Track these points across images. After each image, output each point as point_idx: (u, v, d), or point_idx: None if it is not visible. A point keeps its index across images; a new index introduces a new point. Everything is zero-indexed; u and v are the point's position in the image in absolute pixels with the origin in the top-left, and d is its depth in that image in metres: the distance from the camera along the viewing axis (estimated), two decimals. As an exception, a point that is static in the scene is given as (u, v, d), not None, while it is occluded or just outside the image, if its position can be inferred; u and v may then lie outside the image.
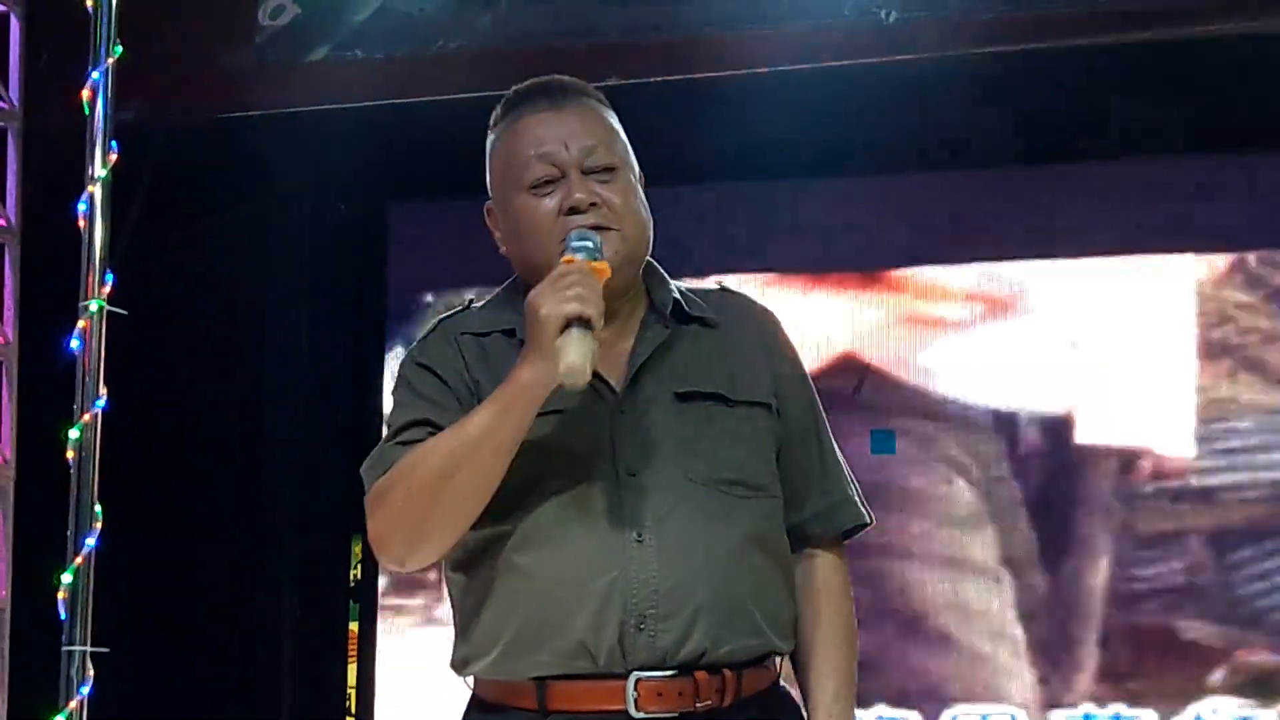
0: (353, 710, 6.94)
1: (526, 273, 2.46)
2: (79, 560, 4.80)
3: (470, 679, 2.47)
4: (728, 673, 2.34)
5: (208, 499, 6.69)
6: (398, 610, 7.09)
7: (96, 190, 4.91)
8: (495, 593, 2.38)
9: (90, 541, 4.86)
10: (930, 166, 6.66)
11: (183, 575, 6.61)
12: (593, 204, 2.32)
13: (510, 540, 2.38)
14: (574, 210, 2.34)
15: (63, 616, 4.80)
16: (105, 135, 5.00)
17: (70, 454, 4.84)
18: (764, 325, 2.63)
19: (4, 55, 5.63)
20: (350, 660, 6.86)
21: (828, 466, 2.60)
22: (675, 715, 2.32)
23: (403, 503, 2.33)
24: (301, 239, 6.96)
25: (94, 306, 4.88)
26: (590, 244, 2.34)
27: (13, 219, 5.54)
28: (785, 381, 2.57)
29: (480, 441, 2.30)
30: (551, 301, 2.22)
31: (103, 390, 4.87)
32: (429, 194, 6.91)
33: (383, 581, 7.02)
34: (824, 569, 2.55)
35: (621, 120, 6.39)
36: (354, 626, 6.89)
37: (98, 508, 4.92)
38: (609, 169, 2.37)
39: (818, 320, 6.71)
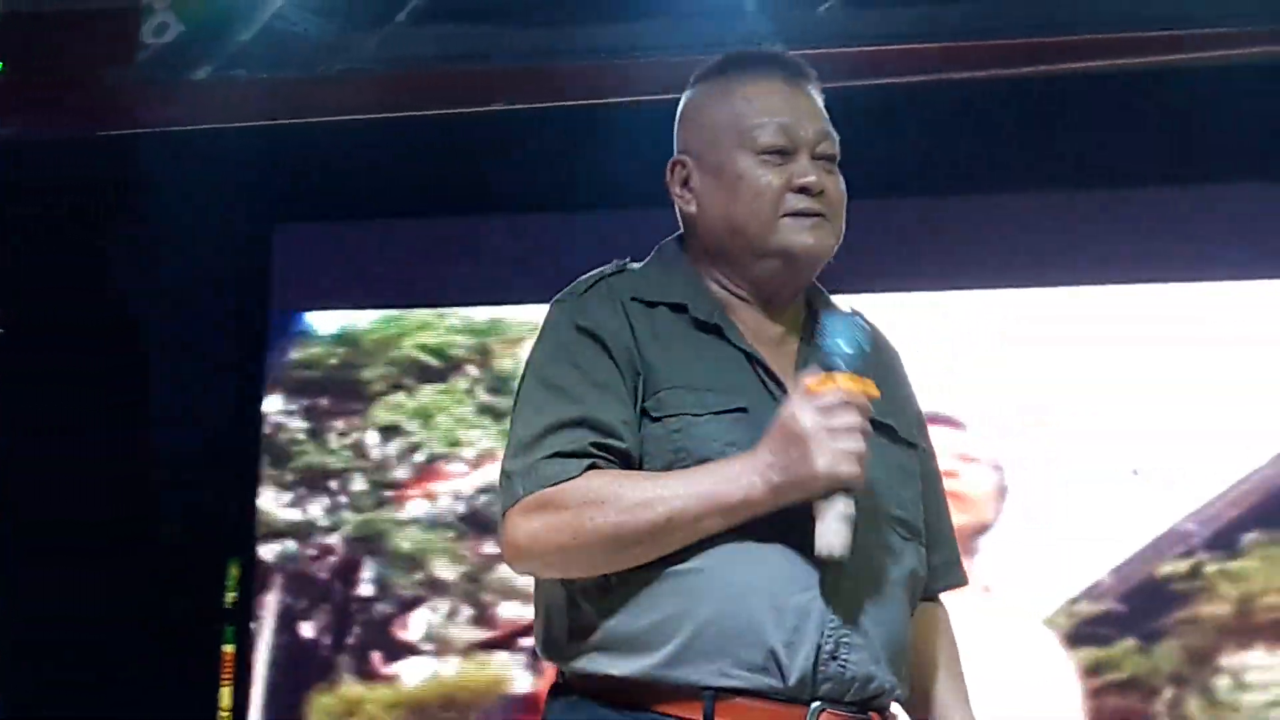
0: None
1: (723, 233, 2.40)
2: None
3: (583, 673, 2.31)
4: (888, 715, 2.32)
5: (85, 518, 6.49)
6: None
7: None
8: (662, 591, 2.25)
9: None
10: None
11: (62, 593, 6.34)
12: (821, 191, 2.29)
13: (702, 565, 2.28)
14: (804, 190, 2.30)
15: None
16: None
17: None
18: (898, 361, 2.60)
19: None
20: (225, 683, 6.69)
21: (945, 522, 2.59)
22: None
23: (569, 539, 2.24)
24: (183, 259, 6.61)
25: None
26: (852, 350, 2.24)
27: None
28: (922, 427, 2.57)
29: (678, 531, 2.21)
30: (827, 454, 2.13)
31: None
32: (313, 215, 6.83)
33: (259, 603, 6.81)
34: (944, 621, 2.54)
35: (509, 146, 6.21)
36: (229, 649, 6.71)
37: None
38: (833, 159, 2.36)
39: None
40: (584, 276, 2.44)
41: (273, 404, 7.00)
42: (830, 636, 2.20)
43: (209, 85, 5.98)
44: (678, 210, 2.45)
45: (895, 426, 2.37)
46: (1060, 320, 6.44)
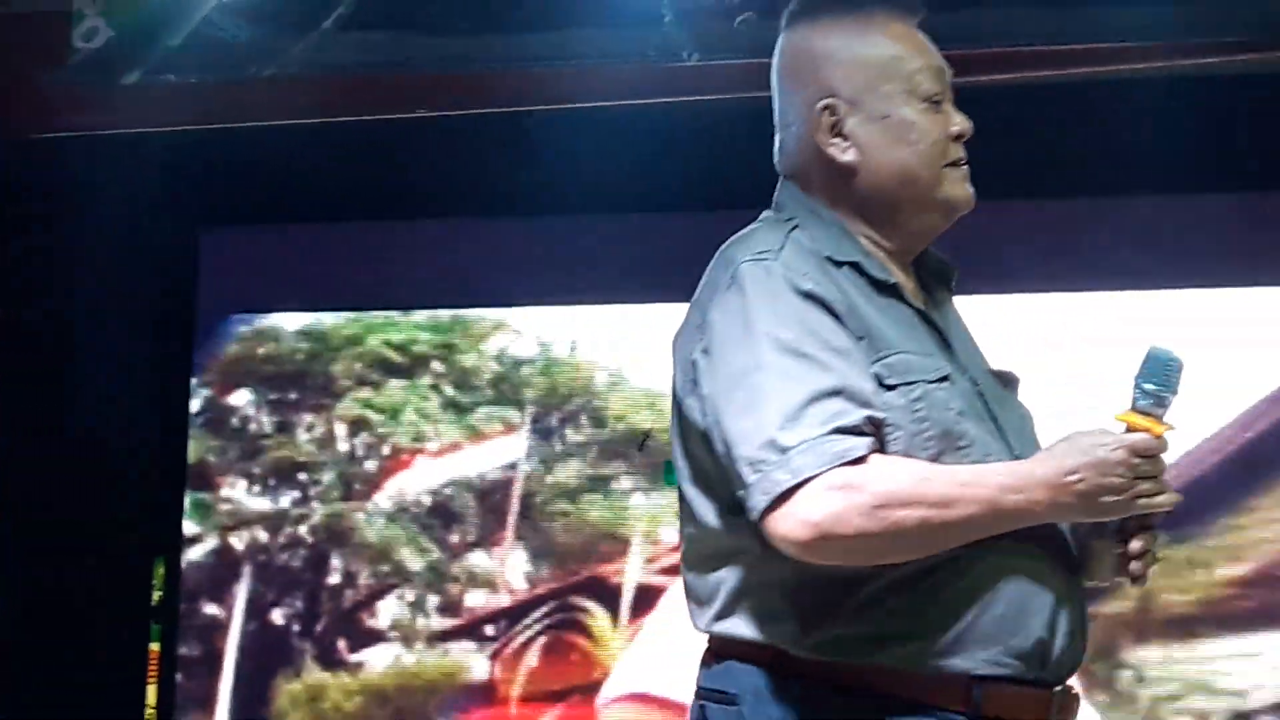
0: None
1: (894, 183, 2.34)
2: None
3: (823, 660, 2.25)
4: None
5: (8, 518, 6.62)
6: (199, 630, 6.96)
7: None
8: (920, 578, 2.22)
9: None
10: (734, 204, 6.51)
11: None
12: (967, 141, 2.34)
13: None
14: (960, 138, 2.33)
15: None
16: None
17: None
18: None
19: None
20: (150, 681, 6.74)
21: None
22: None
23: (874, 526, 2.17)
24: (110, 262, 6.71)
25: None
26: (1173, 392, 2.23)
27: None
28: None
29: (959, 534, 2.19)
30: (1117, 500, 2.16)
31: None
32: (239, 219, 6.81)
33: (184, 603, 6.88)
34: None
35: (433, 153, 6.27)
36: (155, 647, 6.71)
37: None
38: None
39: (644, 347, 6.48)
40: (761, 234, 2.37)
41: (241, 397, 6.98)
42: (1079, 620, 2.28)
43: (138, 90, 5.87)
44: (825, 160, 2.34)
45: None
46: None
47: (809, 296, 2.20)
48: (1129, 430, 2.17)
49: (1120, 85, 5.99)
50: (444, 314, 6.88)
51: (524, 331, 6.88)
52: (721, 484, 2.25)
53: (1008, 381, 2.45)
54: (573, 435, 6.79)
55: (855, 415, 2.12)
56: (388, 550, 6.87)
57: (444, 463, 6.89)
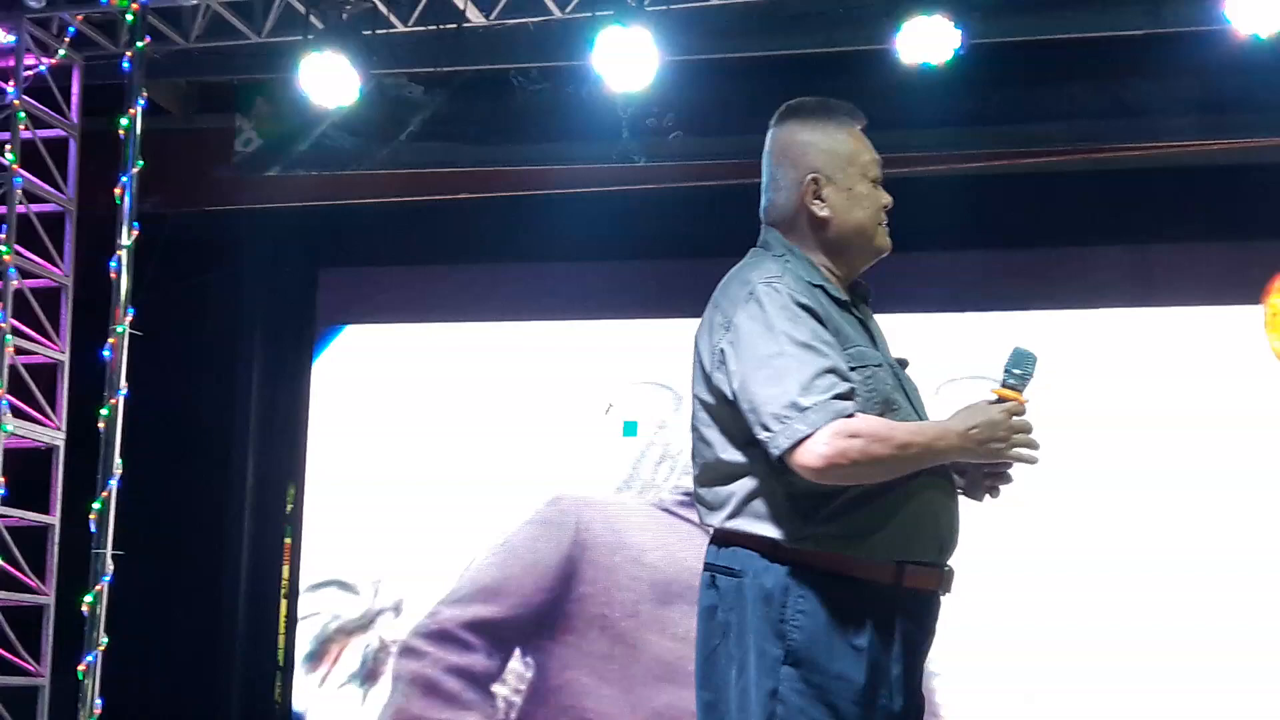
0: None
1: (851, 233, 2.43)
2: (105, 494, 5.40)
3: (805, 549, 2.35)
4: None
5: (188, 462, 6.85)
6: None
7: (123, 255, 5.53)
8: (869, 497, 2.32)
9: (113, 482, 5.45)
10: (667, 255, 6.55)
11: (170, 511, 6.67)
12: None
13: None
14: (886, 208, 2.44)
15: (93, 530, 5.42)
16: (129, 218, 5.57)
17: (102, 425, 5.48)
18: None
19: (64, 165, 5.82)
20: (284, 564, 7.00)
21: None
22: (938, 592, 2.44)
23: (862, 457, 2.26)
24: (259, 290, 7.18)
25: (119, 329, 5.48)
26: (1030, 376, 2.36)
27: (68, 271, 5.77)
28: None
29: (910, 464, 2.30)
30: (997, 448, 2.29)
31: (123, 383, 5.51)
32: (346, 262, 7.22)
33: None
34: None
35: (470, 221, 6.48)
36: (288, 541, 7.07)
37: (119, 460, 5.52)
38: None
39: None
40: (765, 264, 2.42)
41: (343, 375, 7.16)
42: (957, 527, 2.40)
43: (279, 179, 6.56)
44: (808, 213, 2.41)
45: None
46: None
47: (806, 308, 2.29)
48: (1000, 400, 2.31)
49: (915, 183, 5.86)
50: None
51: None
52: (739, 430, 2.34)
53: (904, 364, 2.52)
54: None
55: (844, 386, 2.23)
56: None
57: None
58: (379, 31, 5.66)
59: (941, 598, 2.40)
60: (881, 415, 2.28)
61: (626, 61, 5.37)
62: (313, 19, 5.55)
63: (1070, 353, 5.80)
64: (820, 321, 2.29)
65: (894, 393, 2.34)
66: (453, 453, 6.98)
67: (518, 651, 6.67)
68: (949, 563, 2.39)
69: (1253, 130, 5.74)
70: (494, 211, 6.63)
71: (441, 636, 6.59)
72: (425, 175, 6.60)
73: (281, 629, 7.10)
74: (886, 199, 2.40)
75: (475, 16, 5.61)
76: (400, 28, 5.67)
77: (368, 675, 6.94)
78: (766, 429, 2.23)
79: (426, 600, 6.88)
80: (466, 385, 7.08)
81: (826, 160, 2.36)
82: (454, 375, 7.10)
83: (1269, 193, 5.84)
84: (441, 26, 5.64)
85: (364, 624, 6.99)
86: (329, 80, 5.55)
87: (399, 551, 6.94)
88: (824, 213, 2.35)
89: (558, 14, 5.47)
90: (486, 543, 6.84)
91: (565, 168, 6.49)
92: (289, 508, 7.14)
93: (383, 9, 5.55)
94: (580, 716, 6.54)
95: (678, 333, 6.24)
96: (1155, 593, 5.96)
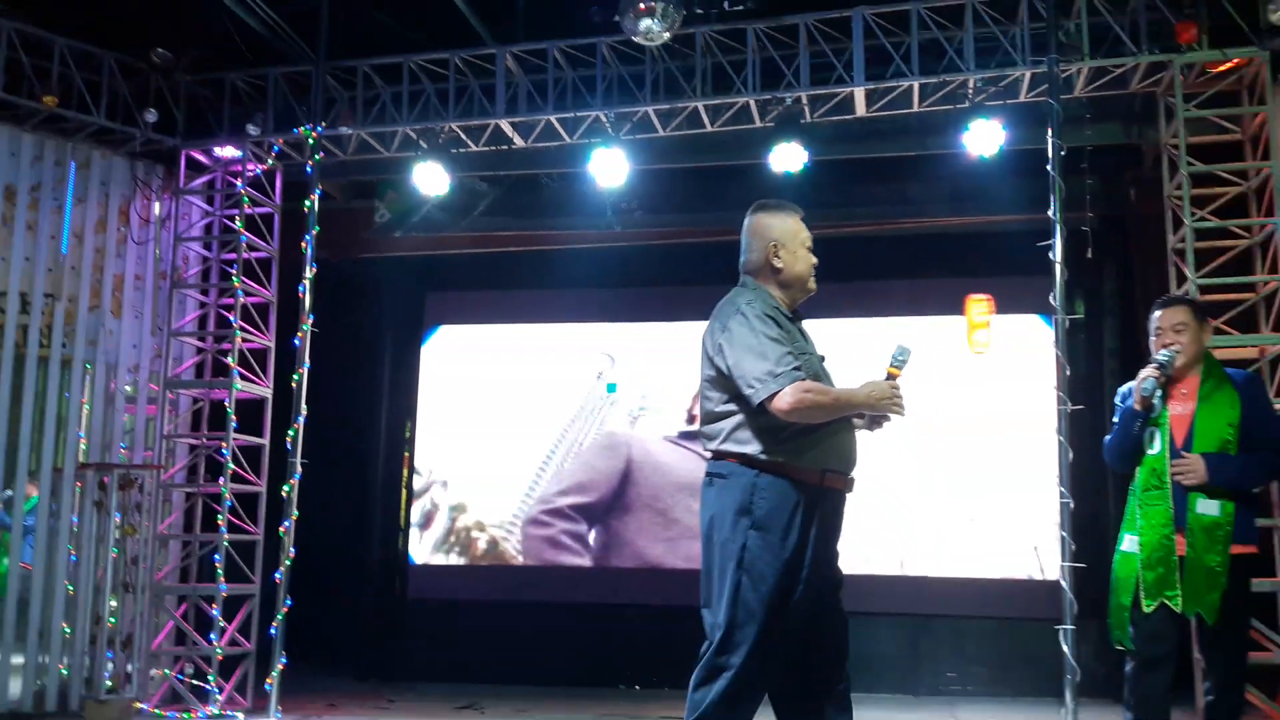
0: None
1: (793, 279, 2.58)
2: (296, 426, 5.64)
3: (766, 460, 2.43)
4: None
5: (347, 408, 7.24)
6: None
7: (307, 283, 5.78)
8: (808, 432, 2.44)
9: (300, 419, 5.65)
10: (640, 284, 7.06)
11: (335, 436, 6.86)
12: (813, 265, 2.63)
13: None
14: (812, 265, 2.61)
15: (288, 447, 5.62)
16: (310, 261, 5.81)
17: (294, 385, 5.71)
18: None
19: (271, 229, 6.14)
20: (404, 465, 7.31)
21: None
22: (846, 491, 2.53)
23: (809, 406, 2.40)
24: (389, 305, 7.53)
25: (305, 328, 5.72)
26: (906, 361, 2.51)
27: (274, 294, 6.05)
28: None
29: (838, 411, 2.45)
30: (885, 404, 2.44)
31: (307, 360, 5.71)
32: (441, 289, 7.53)
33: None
34: None
35: (525, 266, 6.67)
36: (406, 454, 7.35)
37: (304, 407, 5.68)
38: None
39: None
40: (745, 294, 2.56)
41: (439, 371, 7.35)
42: (856, 451, 2.55)
43: (402, 238, 6.94)
44: (770, 265, 2.58)
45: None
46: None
47: (769, 316, 2.46)
48: (889, 376, 2.52)
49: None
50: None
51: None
52: (730, 392, 2.49)
53: (822, 358, 2.63)
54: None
55: (797, 362, 2.42)
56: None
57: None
58: (460, 150, 5.95)
59: (847, 495, 2.55)
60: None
61: (609, 169, 5.69)
62: (421, 142, 5.83)
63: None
64: (781, 328, 2.46)
65: (821, 373, 2.54)
66: (510, 405, 7.18)
67: (600, 524, 6.98)
68: (852, 474, 2.55)
69: (981, 211, 6.00)
70: (531, 259, 7.03)
71: (557, 513, 7.03)
72: (489, 237, 6.94)
73: (403, 508, 7.31)
74: (813, 260, 2.63)
75: (519, 141, 5.90)
76: (473, 148, 5.96)
77: (449, 538, 7.19)
78: (751, 387, 2.40)
79: (490, 496, 7.07)
80: (516, 362, 7.26)
81: (781, 234, 2.59)
82: (508, 357, 7.29)
83: (987, 246, 6.09)
84: (498, 148, 5.95)
85: (453, 507, 7.23)
86: (431, 179, 5.84)
87: (473, 464, 7.20)
88: (780, 265, 2.57)
89: (569, 140, 5.82)
90: (554, 459, 7.02)
91: (573, 232, 6.79)
92: (408, 434, 7.41)
93: (462, 135, 5.84)
94: (641, 557, 6.85)
95: (642, 333, 6.96)
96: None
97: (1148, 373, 3.07)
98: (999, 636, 6.07)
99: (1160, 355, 3.10)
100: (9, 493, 5.92)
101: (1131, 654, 3.16)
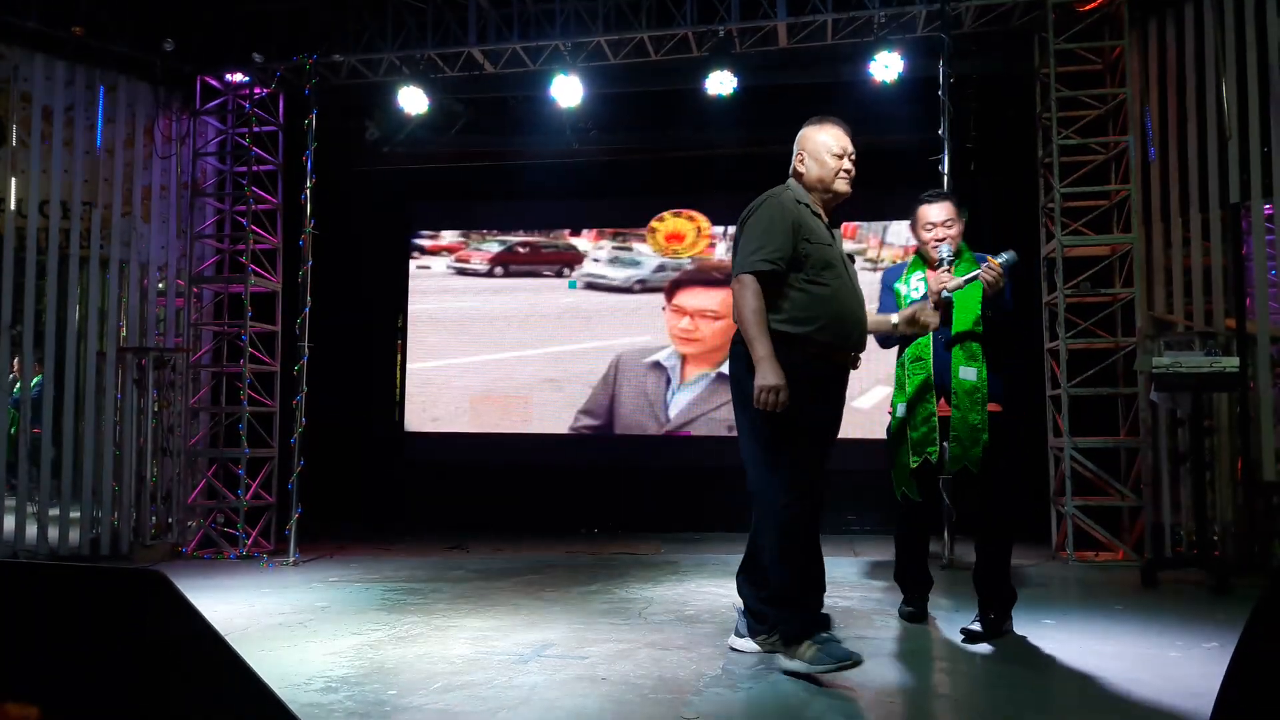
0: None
1: (810, 179, 2.64)
2: (304, 313, 5.83)
3: (786, 331, 2.52)
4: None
5: (347, 297, 7.26)
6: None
7: (308, 193, 5.85)
8: (813, 308, 2.51)
9: (306, 309, 5.83)
10: (591, 195, 7.16)
11: (337, 323, 6.93)
12: (849, 171, 2.68)
13: (823, 286, 2.55)
14: (848, 171, 2.67)
15: (296, 332, 5.86)
16: (309, 173, 5.87)
17: (300, 279, 5.82)
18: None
19: (276, 145, 6.25)
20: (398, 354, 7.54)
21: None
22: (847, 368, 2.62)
23: (738, 301, 2.49)
24: (378, 210, 7.58)
25: (307, 232, 5.69)
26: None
27: (279, 202, 6.16)
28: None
29: (747, 331, 2.49)
30: (928, 323, 2.71)
31: (310, 258, 5.85)
32: (424, 198, 7.62)
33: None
34: None
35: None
36: (400, 343, 7.61)
37: (309, 297, 5.86)
38: (853, 160, 2.72)
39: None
40: (779, 189, 2.62)
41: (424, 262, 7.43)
42: (864, 335, 2.65)
43: (388, 153, 6.81)
44: (795, 170, 2.68)
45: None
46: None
47: (785, 214, 2.52)
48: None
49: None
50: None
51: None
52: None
53: (851, 258, 2.71)
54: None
55: (773, 258, 2.49)
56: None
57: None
58: (437, 75, 6.15)
59: (846, 367, 2.68)
60: (821, 271, 2.54)
61: (568, 92, 6.01)
62: (404, 68, 6.07)
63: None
64: (795, 227, 2.51)
65: (834, 261, 2.58)
66: (482, 301, 7.33)
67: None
68: (851, 351, 2.66)
69: (883, 132, 6.06)
70: (500, 171, 7.29)
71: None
72: (464, 152, 7.15)
73: (397, 383, 7.62)
74: (840, 166, 2.68)
75: (489, 68, 6.13)
76: (449, 73, 6.18)
77: (443, 411, 7.32)
78: (736, 265, 2.57)
79: (469, 373, 7.16)
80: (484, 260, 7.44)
81: (808, 143, 2.70)
82: (480, 257, 7.46)
83: (886, 161, 5.76)
84: (471, 72, 6.16)
85: (438, 383, 7.36)
86: (414, 101, 6.08)
87: (454, 348, 7.36)
88: (802, 170, 2.69)
89: (532, 66, 6.12)
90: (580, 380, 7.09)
91: (537, 149, 7.05)
92: (400, 323, 7.66)
93: (439, 62, 6.07)
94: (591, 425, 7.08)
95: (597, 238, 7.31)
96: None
97: (944, 277, 3.12)
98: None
99: (943, 252, 3.19)
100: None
101: (901, 503, 3.36)
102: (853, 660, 2.50)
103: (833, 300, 2.53)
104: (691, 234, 7.10)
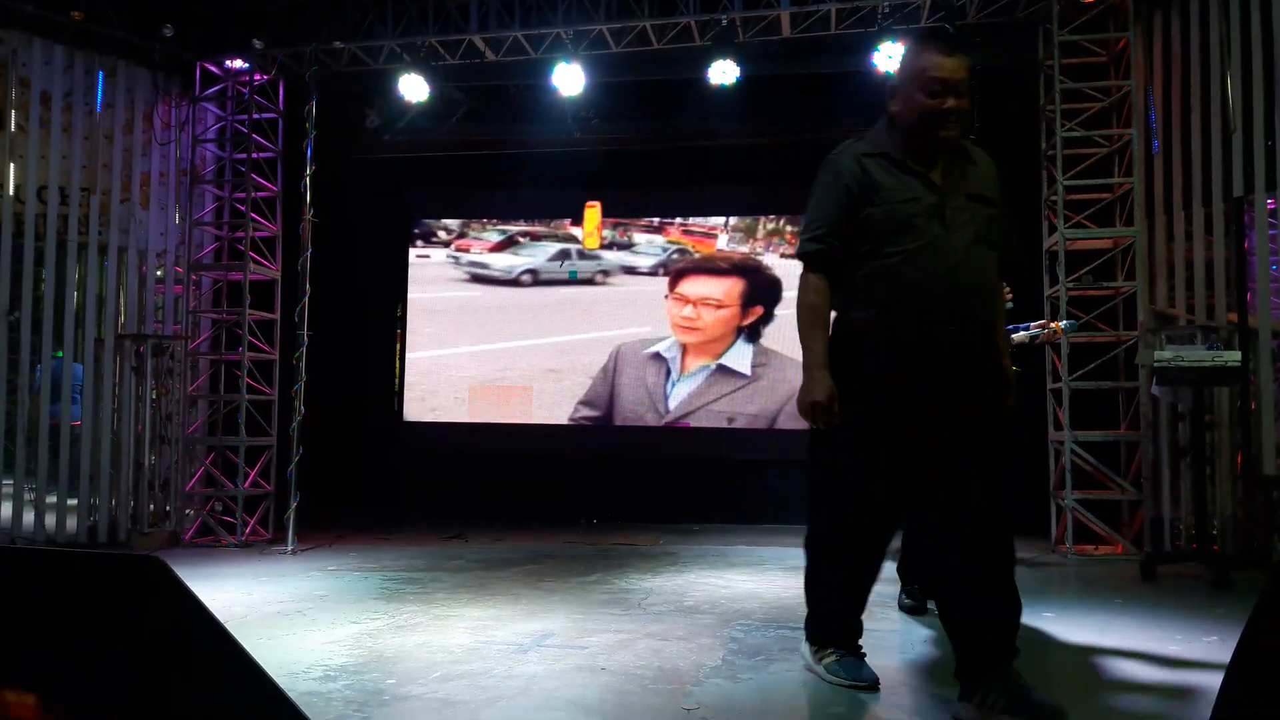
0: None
1: (899, 120, 2.21)
2: (304, 301, 5.81)
3: (854, 319, 2.25)
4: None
5: (346, 285, 7.18)
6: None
7: (307, 180, 5.81)
8: (873, 282, 2.19)
9: (305, 298, 5.79)
10: (590, 185, 7.13)
11: (336, 311, 6.91)
12: (952, 109, 2.15)
13: (887, 257, 2.18)
14: (945, 110, 2.13)
15: (296, 320, 5.77)
16: (309, 161, 5.87)
17: (299, 267, 5.81)
18: (991, 169, 2.39)
19: (276, 132, 6.27)
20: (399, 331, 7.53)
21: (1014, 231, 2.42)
22: None
23: (799, 297, 2.23)
24: (379, 198, 7.53)
25: (306, 220, 5.71)
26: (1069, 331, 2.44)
27: (279, 189, 6.18)
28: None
29: (800, 331, 2.21)
30: (809, 413, 2.13)
31: (309, 246, 5.82)
32: (423, 185, 7.60)
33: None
34: None
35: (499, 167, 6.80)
36: (399, 332, 7.57)
37: (309, 286, 5.81)
38: (961, 92, 2.15)
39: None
40: (863, 136, 2.26)
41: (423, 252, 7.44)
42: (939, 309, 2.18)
43: (388, 141, 6.97)
44: (887, 108, 2.28)
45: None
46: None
47: (837, 178, 2.19)
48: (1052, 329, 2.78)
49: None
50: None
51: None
52: None
53: (977, 198, 2.15)
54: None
55: (827, 238, 2.19)
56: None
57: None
58: (438, 63, 6.14)
59: (956, 346, 2.27)
60: (890, 238, 2.14)
61: (569, 81, 6.00)
62: (405, 56, 6.05)
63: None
64: (846, 187, 2.16)
65: (916, 219, 2.12)
66: (482, 290, 7.32)
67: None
68: (953, 326, 2.24)
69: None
70: (501, 160, 7.27)
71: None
72: (464, 140, 7.13)
73: (396, 374, 7.63)
74: (934, 103, 2.15)
75: (490, 55, 6.10)
76: (450, 61, 6.16)
77: (442, 403, 7.34)
78: (799, 239, 2.29)
79: (467, 363, 7.18)
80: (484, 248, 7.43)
81: (901, 74, 2.28)
82: (479, 244, 7.44)
83: None
84: (472, 60, 6.14)
85: (436, 374, 7.32)
86: (414, 89, 6.09)
87: (453, 337, 7.27)
88: (894, 108, 2.28)
89: (533, 54, 6.08)
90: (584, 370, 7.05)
91: (538, 138, 7.04)
92: (399, 313, 7.69)
93: (440, 49, 6.06)
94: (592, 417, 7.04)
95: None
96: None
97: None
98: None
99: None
100: (58, 356, 6.21)
101: None
102: (868, 684, 2.42)
103: (900, 273, 2.14)
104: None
